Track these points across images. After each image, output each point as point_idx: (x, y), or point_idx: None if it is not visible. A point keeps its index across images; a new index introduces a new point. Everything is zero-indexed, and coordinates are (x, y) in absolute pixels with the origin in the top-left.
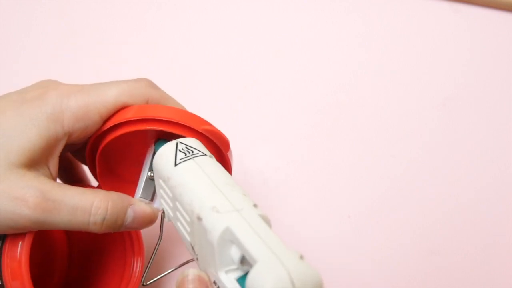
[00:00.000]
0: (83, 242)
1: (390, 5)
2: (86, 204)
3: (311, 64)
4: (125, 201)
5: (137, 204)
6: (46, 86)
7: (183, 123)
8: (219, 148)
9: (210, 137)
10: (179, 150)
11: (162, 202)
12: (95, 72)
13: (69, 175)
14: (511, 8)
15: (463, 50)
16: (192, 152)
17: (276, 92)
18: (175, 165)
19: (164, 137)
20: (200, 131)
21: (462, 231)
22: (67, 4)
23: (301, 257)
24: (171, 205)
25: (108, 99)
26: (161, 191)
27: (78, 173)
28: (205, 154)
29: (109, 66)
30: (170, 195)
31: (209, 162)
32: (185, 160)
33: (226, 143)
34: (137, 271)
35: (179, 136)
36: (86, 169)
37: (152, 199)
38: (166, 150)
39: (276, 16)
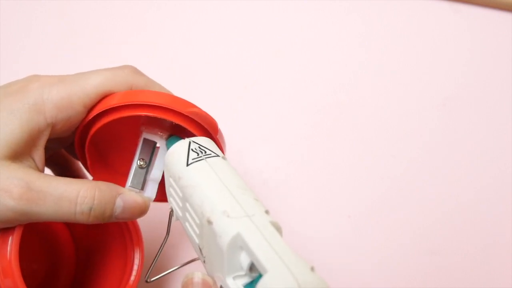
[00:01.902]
0: (86, 242)
1: (390, 5)
2: (72, 194)
3: (311, 64)
4: (114, 190)
5: (126, 194)
6: (28, 79)
7: (168, 107)
8: (208, 132)
9: (197, 120)
10: (192, 149)
11: (171, 200)
12: None
13: (65, 172)
14: (511, 8)
15: (463, 50)
16: (205, 152)
17: (276, 92)
18: (187, 165)
19: (153, 124)
20: (186, 113)
21: (462, 231)
22: (67, 4)
23: (312, 269)
24: (180, 205)
25: (91, 87)
26: (171, 189)
27: (75, 170)
28: (218, 155)
29: (109, 66)
30: (180, 195)
31: (222, 163)
32: (197, 160)
33: (214, 126)
34: (138, 263)
35: (177, 127)
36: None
37: (142, 188)
38: (178, 149)
39: (276, 16)
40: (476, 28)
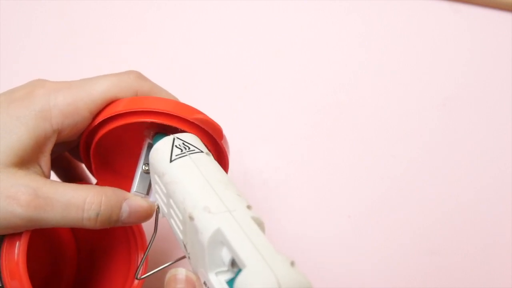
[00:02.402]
0: (89, 244)
1: (390, 5)
2: (79, 200)
3: (311, 64)
4: (120, 196)
5: (132, 199)
6: (34, 85)
7: (173, 113)
8: (213, 137)
9: (202, 126)
10: (176, 146)
11: (157, 197)
12: (95, 72)
13: (69, 175)
14: (511, 8)
15: (463, 50)
16: (189, 148)
17: (276, 92)
18: (171, 161)
19: (157, 129)
20: (191, 120)
21: (462, 231)
22: (67, 4)
23: (292, 264)
24: (165, 201)
25: (96, 93)
26: (156, 186)
27: (78, 173)
28: (202, 151)
29: (109, 66)
30: (165, 191)
31: (205, 159)
32: (180, 157)
33: (219, 131)
34: (142, 267)
35: (175, 129)
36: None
37: (148, 193)
38: (163, 145)
39: (276, 16)
40: (476, 28)
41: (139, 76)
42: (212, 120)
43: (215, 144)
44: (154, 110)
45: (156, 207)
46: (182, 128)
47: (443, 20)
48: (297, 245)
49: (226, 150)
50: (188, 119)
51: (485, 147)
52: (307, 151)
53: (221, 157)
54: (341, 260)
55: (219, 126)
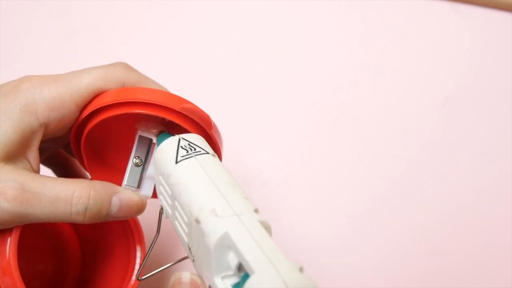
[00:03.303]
0: (92, 243)
1: (390, 5)
2: (67, 194)
3: (311, 64)
4: (109, 189)
5: (122, 192)
6: (20, 80)
7: (160, 104)
8: (203, 128)
9: (190, 116)
10: (181, 146)
11: (161, 198)
12: None
13: (65, 172)
14: (511, 8)
15: (463, 50)
16: (195, 149)
17: (276, 92)
18: (176, 162)
19: (148, 121)
20: (178, 110)
21: (462, 231)
22: (67, 4)
23: (301, 269)
24: (170, 203)
25: (83, 86)
26: (161, 187)
27: (75, 169)
28: (208, 153)
29: None
30: (170, 192)
31: (211, 161)
32: (186, 158)
33: (207, 121)
34: (140, 262)
35: (172, 123)
36: None
37: (139, 186)
38: (168, 146)
39: (276, 16)
40: (476, 28)
41: (126, 67)
42: (200, 110)
43: (206, 135)
44: (141, 101)
45: (160, 207)
46: (170, 119)
47: (443, 20)
48: (297, 245)
49: (218, 140)
50: (176, 109)
51: (485, 147)
52: (307, 151)
53: (212, 147)
54: (341, 260)
55: (208, 115)
